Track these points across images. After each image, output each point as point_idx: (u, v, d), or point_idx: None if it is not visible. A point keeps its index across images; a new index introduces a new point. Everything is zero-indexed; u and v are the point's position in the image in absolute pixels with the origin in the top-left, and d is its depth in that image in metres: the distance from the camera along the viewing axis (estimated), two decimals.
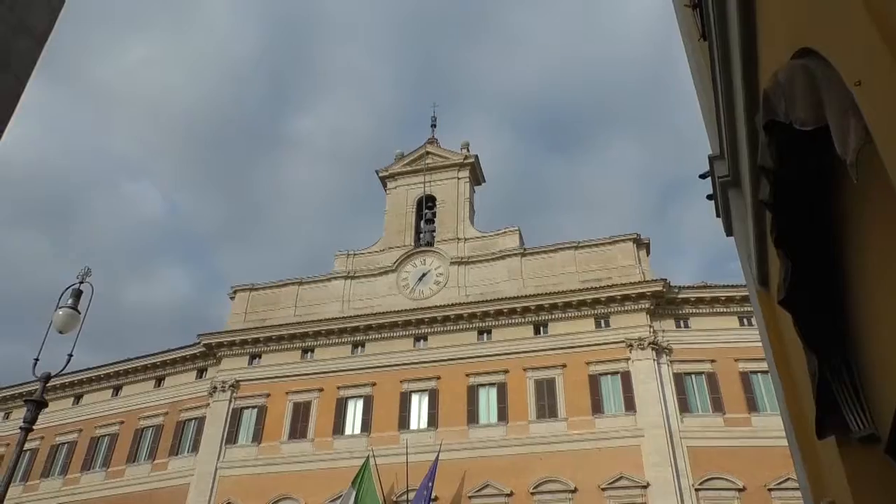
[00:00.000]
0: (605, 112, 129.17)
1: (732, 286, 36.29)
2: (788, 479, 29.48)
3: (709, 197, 9.03)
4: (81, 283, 12.73)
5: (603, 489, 32.40)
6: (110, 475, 41.26)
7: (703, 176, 8.99)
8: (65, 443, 43.89)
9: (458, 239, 43.53)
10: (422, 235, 45.39)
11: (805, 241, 4.99)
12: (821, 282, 5.08)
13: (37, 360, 11.79)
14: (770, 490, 30.84)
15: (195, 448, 39.88)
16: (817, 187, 4.78)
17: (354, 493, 32.97)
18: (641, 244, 40.04)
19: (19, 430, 11.79)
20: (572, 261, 40.23)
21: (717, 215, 8.78)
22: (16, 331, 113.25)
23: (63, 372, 12.53)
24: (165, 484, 39.18)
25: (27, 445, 40.53)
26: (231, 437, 39.48)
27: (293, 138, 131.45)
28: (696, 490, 31.93)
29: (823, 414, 4.85)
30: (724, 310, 36.29)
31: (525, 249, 41.92)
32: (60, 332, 12.13)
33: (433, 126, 50.96)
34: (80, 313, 12.30)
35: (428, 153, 47.94)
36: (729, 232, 8.65)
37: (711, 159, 8.29)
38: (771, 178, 4.56)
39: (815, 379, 4.84)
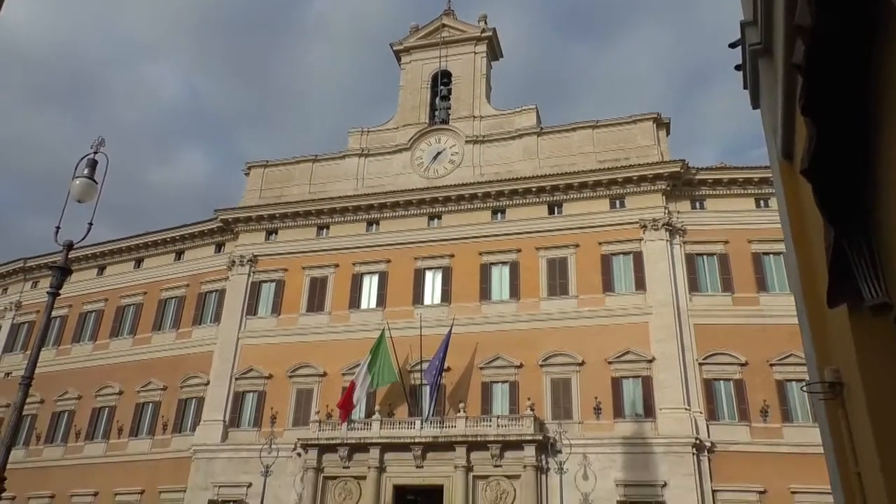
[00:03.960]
0: None
1: (751, 167, 35.92)
2: (791, 354, 30.44)
3: (737, 67, 8.67)
4: (96, 153, 12.67)
5: (609, 362, 33.60)
6: (137, 342, 43.25)
7: (733, 45, 8.59)
8: (92, 311, 45.72)
9: (474, 117, 42.71)
10: (437, 113, 44.52)
11: (834, 108, 4.81)
12: (846, 151, 4.94)
13: (58, 228, 11.94)
14: (772, 365, 31.89)
15: (217, 318, 41.45)
16: (855, 50, 4.54)
17: (368, 361, 34.45)
18: (661, 124, 39.14)
19: (47, 296, 12.16)
20: (590, 140, 39.57)
21: (745, 87, 8.46)
22: (43, 207, 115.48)
23: (85, 241, 12.75)
24: (191, 351, 41.12)
25: (56, 312, 42.31)
26: (251, 309, 40.88)
27: (312, 19, 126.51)
28: (700, 364, 33.07)
29: (836, 283, 4.86)
30: (741, 191, 36.01)
31: (542, 128, 41.18)
32: (79, 202, 12.20)
33: None
34: (96, 183, 12.34)
35: (444, 26, 46.06)
36: (756, 104, 8.37)
37: (743, 25, 7.88)
38: (807, 38, 4.32)
39: (831, 248, 4.82)
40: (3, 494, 10.78)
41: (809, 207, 5.82)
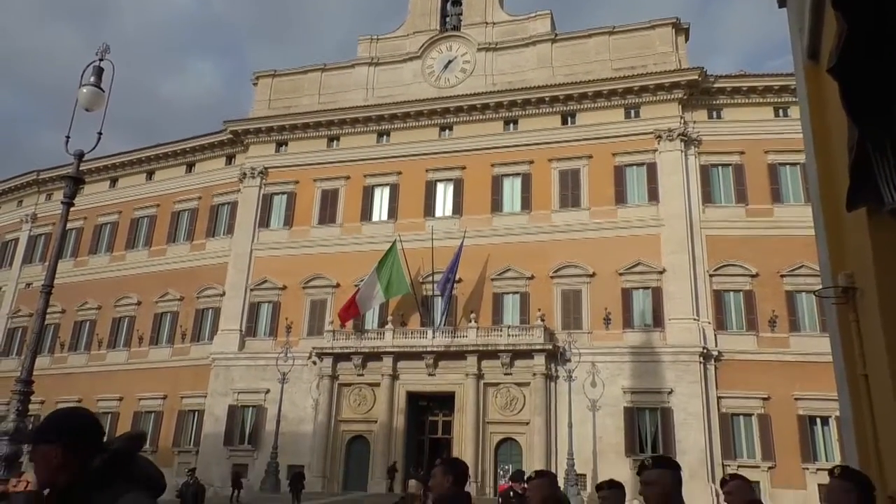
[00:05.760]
0: None
1: (772, 75, 34.95)
2: (802, 265, 30.53)
3: None
4: (101, 60, 12.43)
5: (620, 274, 33.82)
6: (153, 253, 43.84)
7: None
8: (107, 223, 46.15)
9: (486, 23, 41.33)
10: (448, 19, 43.09)
11: (867, 1, 4.57)
12: (877, 49, 4.74)
13: (68, 137, 11.88)
14: (782, 276, 32.01)
15: (230, 230, 41.78)
16: None
17: (376, 273, 34.80)
18: (680, 30, 37.79)
19: (61, 206, 12.21)
20: (606, 47, 38.34)
21: None
22: (54, 121, 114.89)
23: (96, 153, 12.70)
24: (205, 262, 41.69)
25: (71, 225, 42.59)
26: (263, 221, 41.09)
27: None
28: (711, 276, 33.23)
29: (856, 185, 4.77)
30: (760, 100, 35.12)
31: (556, 35, 39.88)
32: (87, 110, 12.09)
33: None
34: (103, 91, 12.17)
35: None
36: (782, 3, 8.00)
37: None
38: None
39: (853, 150, 4.71)
40: (32, 398, 11.22)
41: (833, 110, 5.66)
